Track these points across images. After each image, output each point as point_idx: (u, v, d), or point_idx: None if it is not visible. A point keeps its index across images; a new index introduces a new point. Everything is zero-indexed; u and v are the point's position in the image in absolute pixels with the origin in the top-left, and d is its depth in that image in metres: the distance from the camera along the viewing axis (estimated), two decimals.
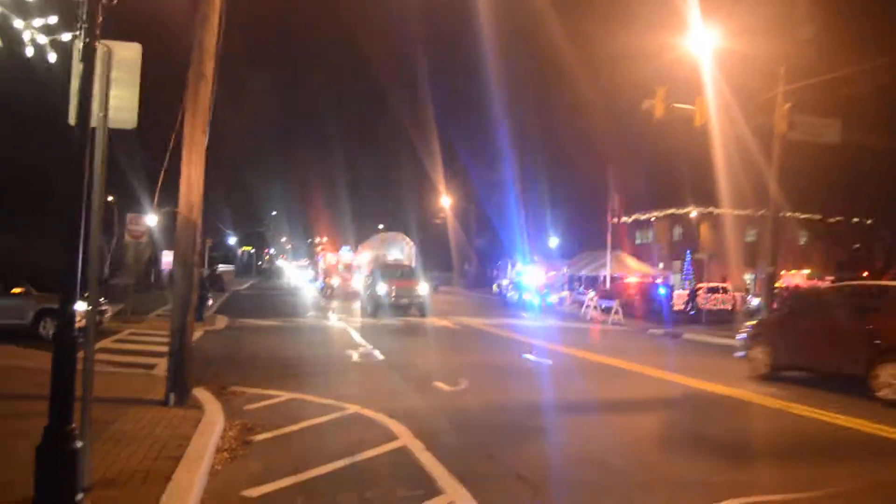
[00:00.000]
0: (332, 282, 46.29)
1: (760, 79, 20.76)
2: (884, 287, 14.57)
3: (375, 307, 27.14)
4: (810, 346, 12.71)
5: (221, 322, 23.24)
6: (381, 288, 27.14)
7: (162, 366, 11.29)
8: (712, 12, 18.73)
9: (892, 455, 8.18)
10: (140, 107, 6.12)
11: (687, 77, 19.34)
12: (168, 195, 11.00)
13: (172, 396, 8.86)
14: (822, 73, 20.02)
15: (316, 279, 61.81)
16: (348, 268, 46.75)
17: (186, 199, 9.37)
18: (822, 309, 13.43)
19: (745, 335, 14.63)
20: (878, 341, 11.16)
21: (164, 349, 9.84)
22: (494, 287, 51.30)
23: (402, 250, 41.89)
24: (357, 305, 33.08)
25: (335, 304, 36.56)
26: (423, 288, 27.86)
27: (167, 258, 33.50)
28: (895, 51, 19.66)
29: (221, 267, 60.49)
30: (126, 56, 5.96)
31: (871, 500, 6.42)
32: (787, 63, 20.35)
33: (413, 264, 39.17)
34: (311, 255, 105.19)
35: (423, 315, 26.73)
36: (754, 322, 15.64)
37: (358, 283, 40.73)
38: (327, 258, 52.92)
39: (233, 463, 6.86)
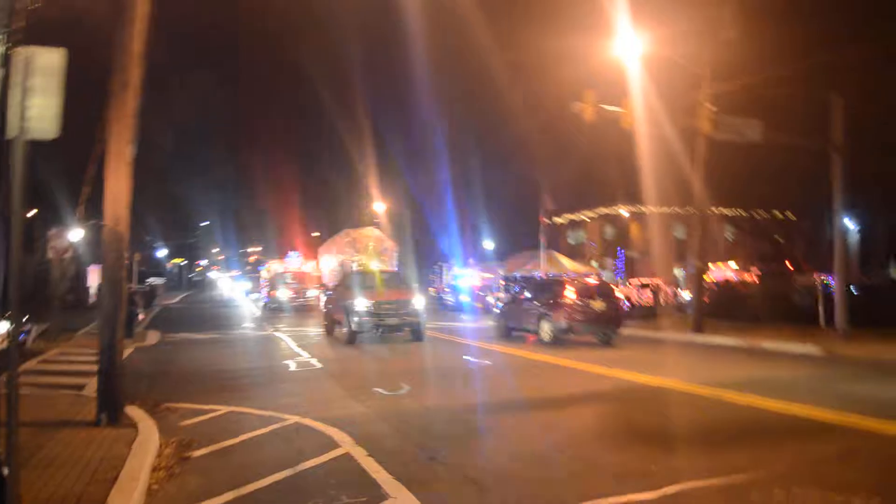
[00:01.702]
0: (278, 294, 39.69)
1: (686, 81, 21.37)
2: (546, 279, 25.06)
3: (354, 329, 20.02)
4: (519, 315, 21.36)
5: (153, 337, 22.59)
6: (361, 303, 19.99)
7: (92, 385, 10.90)
8: (639, 16, 19.21)
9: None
10: (63, 115, 5.89)
11: (616, 79, 19.75)
12: (93, 208, 10.66)
13: (104, 416, 8.56)
14: (745, 74, 20.80)
15: (256, 291, 57.44)
16: (298, 277, 40.61)
17: (112, 212, 9.05)
18: (520, 293, 22.25)
19: (496, 311, 23.97)
20: (541, 309, 19.96)
21: (94, 368, 9.50)
22: (431, 290, 51.26)
23: (381, 252, 36.04)
24: (308, 319, 30.53)
25: (279, 317, 33.82)
26: (418, 301, 20.77)
27: (94, 274, 32.29)
28: (813, 54, 20.50)
29: (154, 280, 58.93)
30: (48, 62, 5.70)
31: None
32: (712, 65, 21.05)
33: (398, 269, 32.77)
34: (244, 266, 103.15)
35: (417, 339, 20.29)
36: (501, 303, 23.47)
37: (314, 294, 36.08)
38: (272, 267, 47.04)
39: (170, 481, 6.67)
